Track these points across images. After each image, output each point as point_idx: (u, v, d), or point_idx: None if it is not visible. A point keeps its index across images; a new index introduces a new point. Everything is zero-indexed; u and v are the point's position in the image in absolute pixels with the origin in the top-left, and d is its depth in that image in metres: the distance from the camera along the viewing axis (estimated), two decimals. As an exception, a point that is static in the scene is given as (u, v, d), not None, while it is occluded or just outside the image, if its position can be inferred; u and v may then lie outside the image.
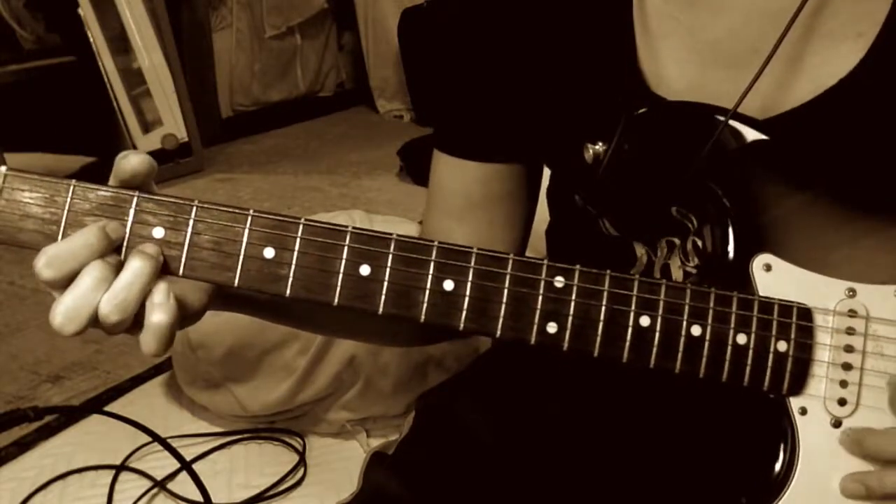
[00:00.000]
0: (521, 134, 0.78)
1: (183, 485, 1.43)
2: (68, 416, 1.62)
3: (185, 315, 0.62)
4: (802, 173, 0.64)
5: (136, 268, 0.56)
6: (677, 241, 0.70)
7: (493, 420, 0.83)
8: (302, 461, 1.53)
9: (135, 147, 3.10)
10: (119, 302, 0.56)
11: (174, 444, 1.37)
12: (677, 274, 0.71)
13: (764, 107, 0.66)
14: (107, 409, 1.61)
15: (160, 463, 1.49)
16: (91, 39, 3.05)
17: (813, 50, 0.66)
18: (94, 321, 0.56)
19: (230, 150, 3.66)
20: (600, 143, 0.66)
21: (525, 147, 0.79)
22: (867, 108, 0.65)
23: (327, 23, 4.29)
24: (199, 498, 1.31)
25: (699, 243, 0.68)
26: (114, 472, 1.49)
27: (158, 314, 0.57)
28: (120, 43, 3.13)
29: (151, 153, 3.32)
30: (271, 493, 1.45)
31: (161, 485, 1.46)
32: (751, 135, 0.64)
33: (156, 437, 1.33)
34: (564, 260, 0.75)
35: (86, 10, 3.04)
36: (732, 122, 0.64)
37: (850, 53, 0.65)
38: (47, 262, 0.55)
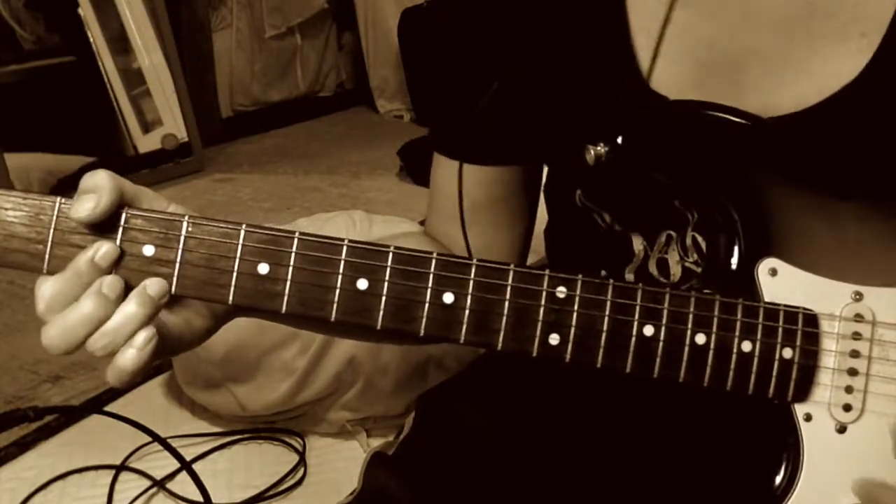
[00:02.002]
0: (522, 136, 0.77)
1: (183, 485, 1.43)
2: (68, 416, 1.62)
3: (190, 340, 0.61)
4: (809, 175, 0.63)
5: (129, 313, 0.55)
6: (675, 234, 0.70)
7: (494, 420, 0.83)
8: (302, 461, 1.53)
9: (135, 147, 3.10)
10: (107, 343, 0.55)
11: (174, 444, 1.37)
12: (676, 269, 0.70)
13: (766, 107, 0.66)
14: (107, 409, 1.61)
15: (160, 463, 1.49)
16: (91, 39, 3.05)
17: (814, 51, 0.66)
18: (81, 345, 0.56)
19: (230, 150, 3.66)
20: (601, 145, 0.65)
21: (525, 149, 0.79)
22: (875, 112, 0.64)
23: (327, 23, 4.29)
24: (199, 498, 1.31)
25: (699, 239, 0.67)
26: (114, 472, 1.49)
27: (128, 359, 0.55)
28: (120, 43, 3.13)
29: (151, 153, 3.33)
30: (271, 493, 1.45)
31: (161, 485, 1.46)
32: (756, 136, 0.63)
33: (156, 437, 1.33)
34: (563, 258, 0.75)
35: (86, 10, 3.04)
36: (739, 121, 0.63)
37: (855, 55, 0.64)
38: (48, 308, 0.55)
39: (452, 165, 0.81)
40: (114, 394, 1.74)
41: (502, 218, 0.83)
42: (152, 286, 0.56)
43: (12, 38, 3.02)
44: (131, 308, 0.55)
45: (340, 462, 1.54)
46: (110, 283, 0.55)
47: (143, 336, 0.55)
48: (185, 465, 1.32)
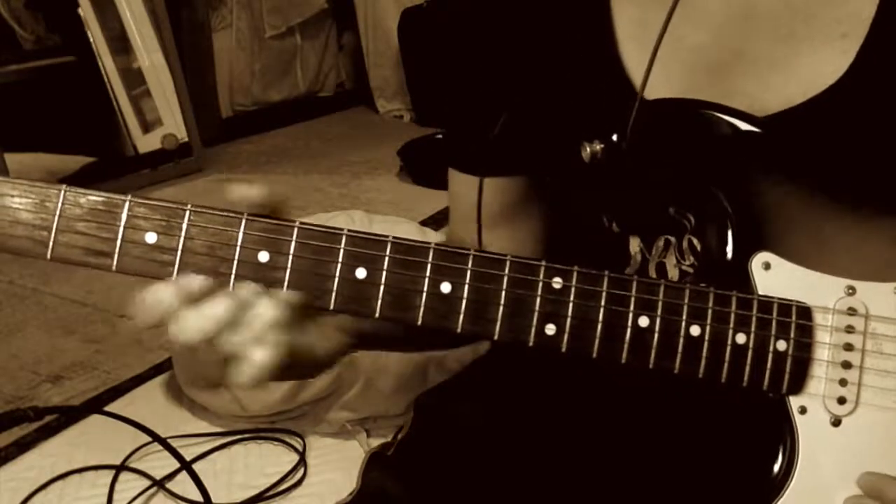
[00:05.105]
0: (526, 144, 0.77)
1: (183, 485, 1.43)
2: (68, 416, 1.62)
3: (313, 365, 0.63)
4: (801, 171, 0.64)
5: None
6: (673, 239, 0.70)
7: (493, 421, 0.83)
8: (302, 461, 1.53)
9: (135, 147, 3.10)
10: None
11: (174, 444, 1.38)
12: (673, 272, 0.71)
13: (753, 109, 0.66)
14: (107, 409, 1.61)
15: (160, 463, 1.49)
16: (91, 39, 3.05)
17: (798, 53, 0.66)
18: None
19: (230, 150, 3.65)
20: (597, 142, 0.66)
21: (531, 156, 0.79)
22: (864, 108, 0.65)
23: (327, 23, 4.29)
24: (199, 498, 1.31)
25: (695, 242, 0.68)
26: (114, 472, 1.49)
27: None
28: (120, 43, 3.13)
29: (151, 153, 3.32)
30: (271, 493, 1.46)
31: (161, 485, 1.46)
32: (749, 133, 0.64)
33: (156, 437, 1.33)
34: (561, 258, 0.75)
35: (86, 10, 3.04)
36: (730, 119, 0.63)
37: (838, 55, 0.65)
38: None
39: (464, 179, 0.82)
40: (114, 394, 1.74)
41: (520, 221, 0.84)
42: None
43: (12, 38, 3.02)
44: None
45: (340, 462, 1.54)
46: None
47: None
48: (185, 465, 1.33)
